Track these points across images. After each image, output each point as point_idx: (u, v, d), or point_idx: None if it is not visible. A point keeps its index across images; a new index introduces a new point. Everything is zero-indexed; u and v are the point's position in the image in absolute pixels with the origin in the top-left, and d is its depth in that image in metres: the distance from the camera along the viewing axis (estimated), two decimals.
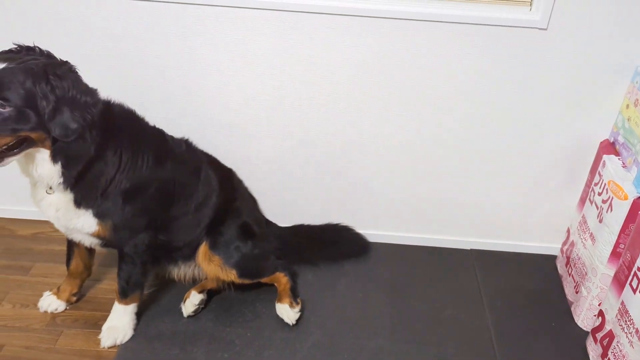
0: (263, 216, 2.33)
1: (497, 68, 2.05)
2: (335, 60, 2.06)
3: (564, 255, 2.31)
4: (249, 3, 1.95)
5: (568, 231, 2.32)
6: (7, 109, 1.46)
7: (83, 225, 1.73)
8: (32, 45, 1.60)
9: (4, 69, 1.48)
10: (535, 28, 1.95)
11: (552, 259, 2.42)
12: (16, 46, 1.59)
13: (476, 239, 2.47)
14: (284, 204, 2.39)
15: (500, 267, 2.38)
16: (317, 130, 2.21)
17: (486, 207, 2.38)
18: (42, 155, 1.57)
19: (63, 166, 1.59)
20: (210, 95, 2.14)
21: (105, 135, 1.65)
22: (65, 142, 1.54)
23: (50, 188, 1.65)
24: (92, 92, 1.58)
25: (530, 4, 1.95)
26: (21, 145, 1.52)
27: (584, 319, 2.09)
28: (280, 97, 2.14)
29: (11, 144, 1.51)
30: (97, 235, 1.77)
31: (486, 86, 2.09)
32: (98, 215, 1.72)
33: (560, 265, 2.35)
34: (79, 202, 1.68)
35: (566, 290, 2.24)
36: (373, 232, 2.44)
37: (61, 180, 1.61)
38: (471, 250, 2.46)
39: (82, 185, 1.66)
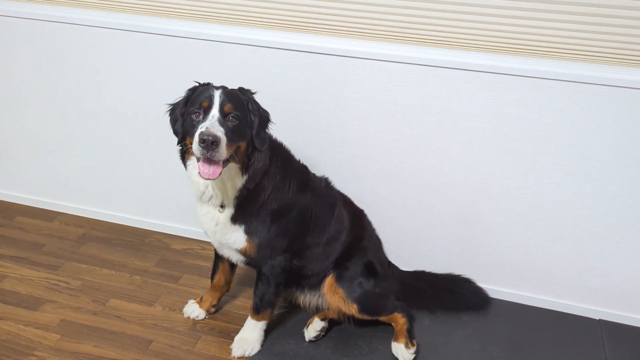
0: (386, 258, 2.43)
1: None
2: (470, 113, 2.17)
3: None
4: (393, 57, 2.15)
5: None
6: (236, 122, 1.78)
7: (234, 241, 1.97)
8: (207, 81, 1.93)
9: (229, 91, 1.82)
10: None
11: None
12: (197, 82, 1.92)
13: (606, 309, 2.35)
14: (407, 249, 2.49)
15: (632, 342, 2.24)
16: (446, 179, 2.30)
17: (621, 276, 2.28)
18: (233, 169, 1.85)
19: (247, 179, 1.86)
20: (349, 138, 2.35)
21: (270, 153, 1.92)
22: (256, 154, 1.84)
23: (222, 207, 1.92)
24: (267, 111, 1.91)
25: None
26: (229, 158, 1.78)
27: None
28: (414, 144, 2.28)
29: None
30: (243, 251, 1.99)
31: (626, 151, 2.06)
32: (248, 232, 1.95)
33: None
34: (235, 219, 1.93)
35: None
36: (494, 287, 2.44)
37: (237, 194, 1.88)
38: (599, 320, 2.35)
39: (242, 202, 1.91)
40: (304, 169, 2.12)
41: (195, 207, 2.03)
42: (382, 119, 2.28)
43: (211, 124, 1.71)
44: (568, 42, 2.00)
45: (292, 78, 2.30)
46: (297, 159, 2.11)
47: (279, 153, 2.01)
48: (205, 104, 1.76)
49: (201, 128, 1.70)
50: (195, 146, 1.69)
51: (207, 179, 1.73)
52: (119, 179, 2.75)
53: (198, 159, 1.74)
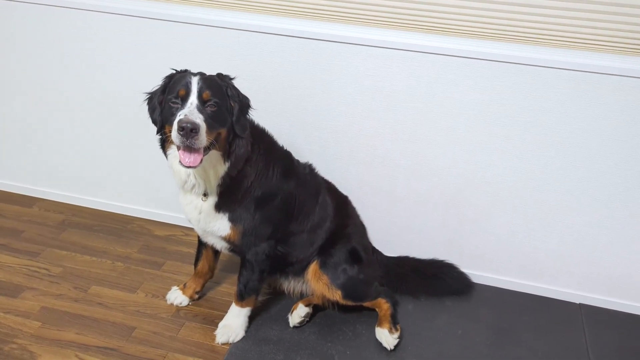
0: (370, 244, 2.43)
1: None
2: (456, 100, 2.16)
3: None
4: (380, 43, 2.13)
5: None
6: (215, 109, 1.74)
7: (218, 228, 1.95)
8: (184, 68, 1.88)
9: (207, 78, 1.78)
10: None
11: None
12: (173, 69, 1.88)
13: (587, 294, 2.39)
14: (391, 234, 2.49)
15: (612, 326, 2.28)
16: (431, 166, 2.30)
17: (602, 261, 2.31)
18: (214, 157, 1.82)
19: (229, 166, 1.84)
20: (335, 124, 2.33)
21: (252, 139, 1.89)
22: (238, 140, 1.82)
23: (205, 195, 1.89)
24: (247, 96, 1.88)
25: None
26: (209, 146, 1.75)
27: None
28: (399, 131, 2.27)
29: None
30: (227, 238, 1.97)
31: (610, 138, 2.08)
32: (232, 219, 1.93)
33: None
34: (219, 206, 1.91)
35: None
36: (478, 272, 2.46)
37: (219, 182, 1.85)
38: (580, 304, 2.38)
39: (226, 190, 1.89)
40: (287, 155, 2.10)
41: (178, 194, 2.00)
42: (367, 104, 2.26)
43: (190, 111, 1.68)
44: (553, 29, 2.00)
45: (277, 63, 2.27)
46: (281, 145, 2.09)
47: (262, 139, 1.99)
48: (182, 92, 1.73)
49: (179, 116, 1.67)
50: (175, 134, 1.66)
51: (188, 167, 1.70)
52: (100, 164, 2.70)
53: (178, 148, 1.71)
